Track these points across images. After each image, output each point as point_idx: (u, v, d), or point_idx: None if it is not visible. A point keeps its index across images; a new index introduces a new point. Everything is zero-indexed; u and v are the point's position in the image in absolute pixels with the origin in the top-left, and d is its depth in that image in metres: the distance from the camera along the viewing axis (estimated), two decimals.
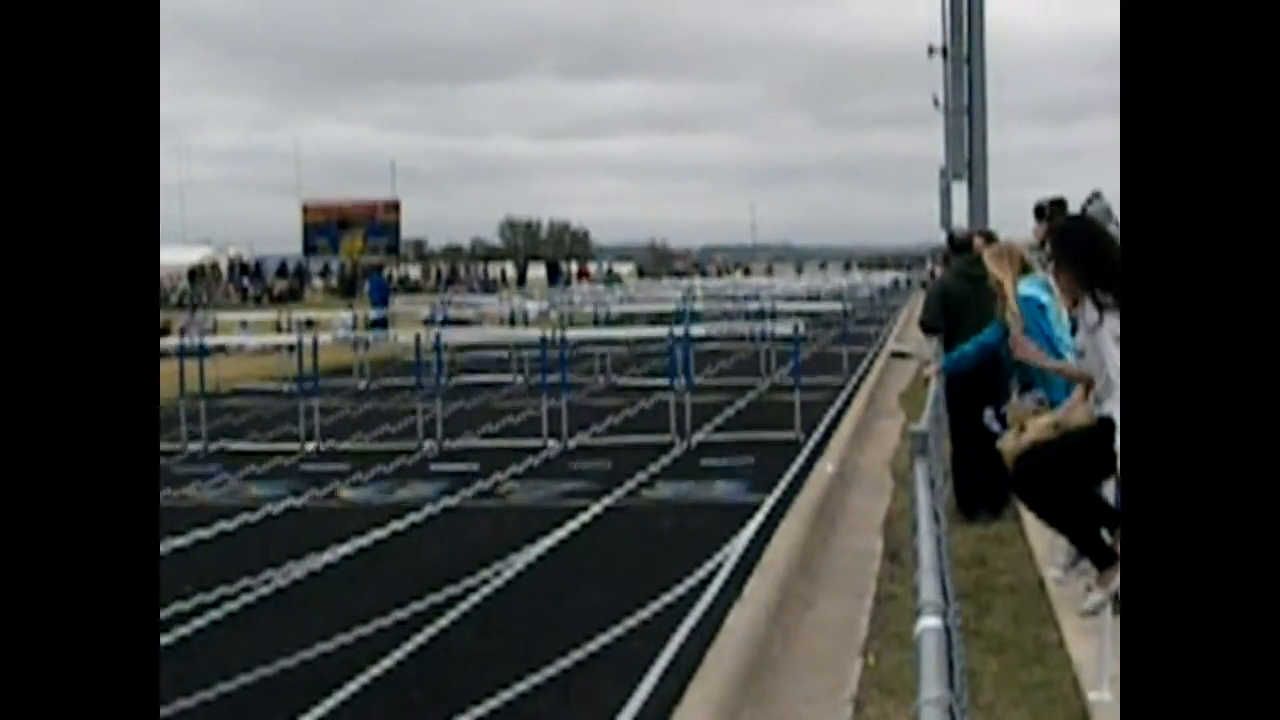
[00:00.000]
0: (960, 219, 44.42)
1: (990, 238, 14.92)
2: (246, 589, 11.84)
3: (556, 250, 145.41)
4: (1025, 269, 10.89)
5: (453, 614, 10.97)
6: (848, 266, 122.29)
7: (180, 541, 13.99)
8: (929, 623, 4.74)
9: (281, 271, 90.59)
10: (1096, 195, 14.29)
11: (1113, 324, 7.76)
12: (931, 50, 40.46)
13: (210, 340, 29.51)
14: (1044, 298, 10.45)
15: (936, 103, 39.32)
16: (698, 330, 26.41)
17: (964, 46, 33.70)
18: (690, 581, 11.72)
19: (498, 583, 12.00)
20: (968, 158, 33.33)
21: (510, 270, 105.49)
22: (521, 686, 9.01)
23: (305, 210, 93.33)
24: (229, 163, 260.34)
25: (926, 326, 15.62)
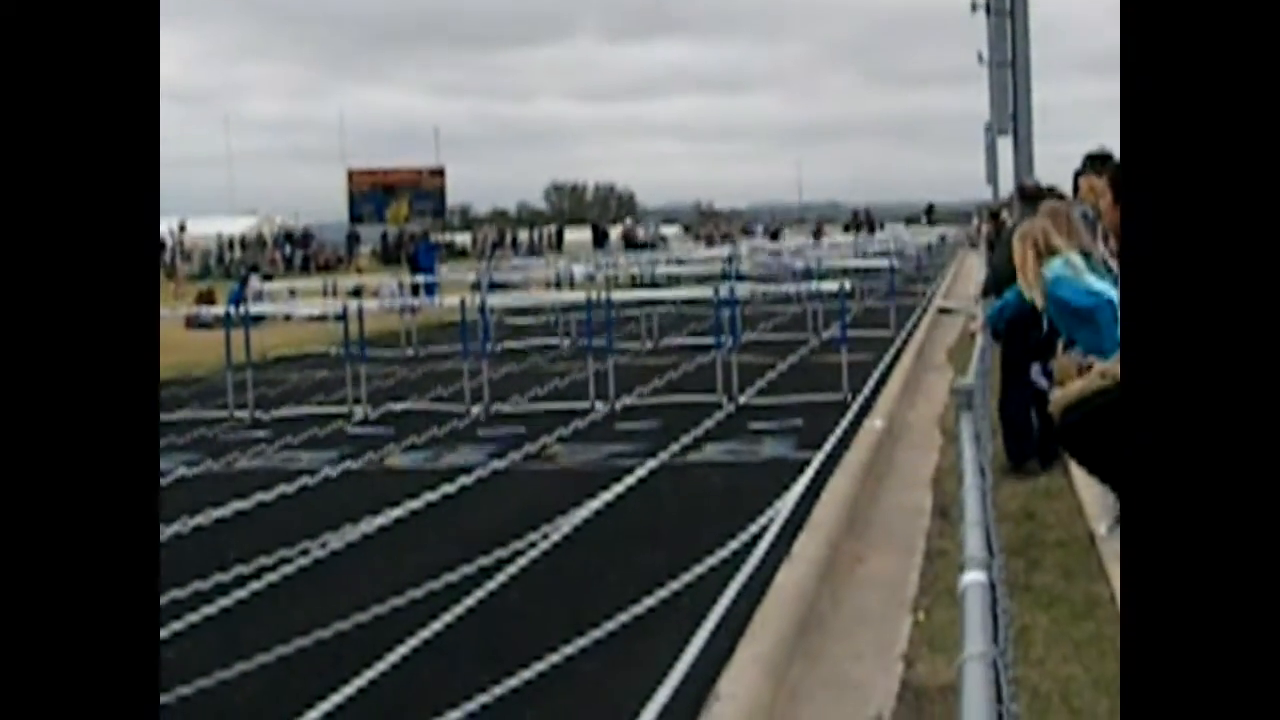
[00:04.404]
0: (1006, 174, 44.18)
1: (1058, 195, 14.69)
2: (296, 555, 11.86)
3: (602, 213, 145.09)
4: (1052, 251, 10.69)
5: (502, 576, 10.97)
6: (857, 227, 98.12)
7: (226, 510, 14.02)
8: (974, 577, 4.71)
9: (353, 239, 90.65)
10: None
11: None
12: (975, 6, 40.31)
13: (256, 309, 29.56)
14: (1062, 274, 10.29)
15: (981, 58, 39.12)
16: (743, 290, 26.35)
17: (1006, 0, 33.49)
18: (739, 540, 11.69)
19: (547, 544, 12.00)
20: (1012, 112, 33.13)
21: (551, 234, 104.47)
22: (572, 647, 9.01)
23: (350, 178, 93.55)
24: (274, 132, 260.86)
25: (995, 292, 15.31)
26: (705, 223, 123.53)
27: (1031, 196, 15.05)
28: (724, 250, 61.61)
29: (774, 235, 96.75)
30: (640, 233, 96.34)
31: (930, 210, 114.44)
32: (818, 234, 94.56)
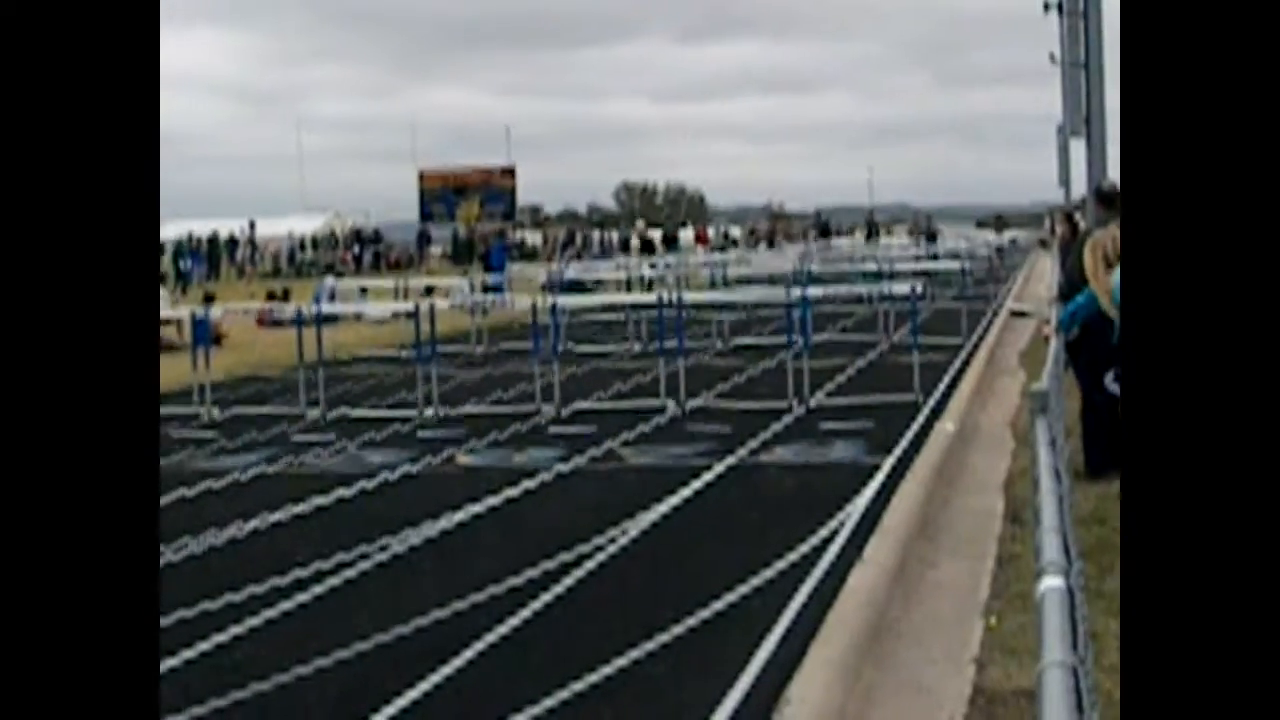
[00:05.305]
0: (1078, 177, 43.92)
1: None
2: (366, 555, 11.89)
3: (673, 213, 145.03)
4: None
5: (571, 579, 10.96)
6: (914, 234, 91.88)
7: (300, 509, 14.07)
8: (1051, 583, 4.67)
9: (424, 238, 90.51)
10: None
11: None
12: (1047, 6, 40.13)
13: (328, 308, 29.69)
14: None
15: (1053, 59, 38.93)
16: (815, 292, 26.30)
17: (1080, 0, 33.28)
18: (810, 543, 11.66)
19: (617, 546, 11.99)
20: (1085, 114, 32.91)
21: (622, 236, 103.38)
22: (642, 650, 9.00)
23: (422, 177, 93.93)
24: (346, 132, 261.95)
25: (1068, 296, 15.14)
26: (764, 225, 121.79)
27: (1108, 199, 14.92)
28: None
29: (824, 232, 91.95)
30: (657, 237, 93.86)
31: (1000, 219, 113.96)
32: (870, 235, 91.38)
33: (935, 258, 55.81)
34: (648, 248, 77.67)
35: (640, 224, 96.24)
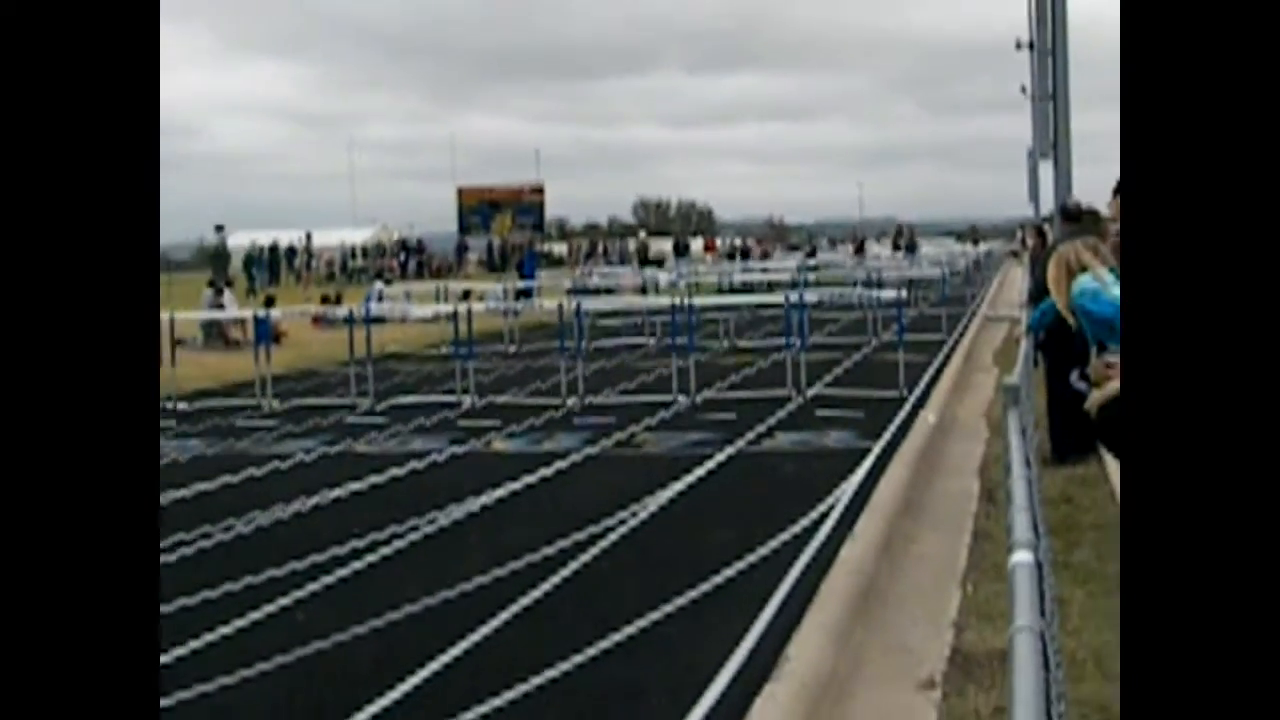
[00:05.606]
0: (1046, 194, 43.85)
1: (1095, 214, 14.56)
2: (416, 527, 11.96)
3: (684, 226, 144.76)
4: (1083, 268, 10.64)
5: (595, 550, 11.02)
6: (896, 246, 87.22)
7: (352, 487, 14.13)
8: (1021, 557, 4.73)
9: (462, 248, 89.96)
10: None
11: None
12: (1019, 45, 40.16)
13: (375, 310, 29.74)
14: (1088, 286, 10.22)
15: (1024, 90, 38.93)
16: (811, 297, 26.38)
17: (1048, 40, 33.23)
18: (807, 520, 11.71)
19: (634, 522, 12.04)
20: (1053, 139, 32.84)
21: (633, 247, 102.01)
22: (658, 613, 9.05)
23: (460, 194, 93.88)
24: (393, 153, 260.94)
25: (1037, 301, 15.13)
26: (753, 241, 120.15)
27: (1073, 215, 14.95)
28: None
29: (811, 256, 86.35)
30: (652, 248, 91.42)
31: (974, 231, 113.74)
32: (859, 249, 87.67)
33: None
34: (645, 262, 71.47)
35: (642, 234, 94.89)
